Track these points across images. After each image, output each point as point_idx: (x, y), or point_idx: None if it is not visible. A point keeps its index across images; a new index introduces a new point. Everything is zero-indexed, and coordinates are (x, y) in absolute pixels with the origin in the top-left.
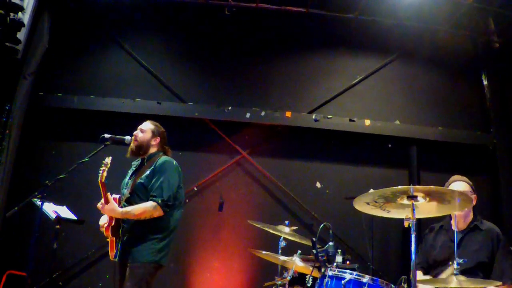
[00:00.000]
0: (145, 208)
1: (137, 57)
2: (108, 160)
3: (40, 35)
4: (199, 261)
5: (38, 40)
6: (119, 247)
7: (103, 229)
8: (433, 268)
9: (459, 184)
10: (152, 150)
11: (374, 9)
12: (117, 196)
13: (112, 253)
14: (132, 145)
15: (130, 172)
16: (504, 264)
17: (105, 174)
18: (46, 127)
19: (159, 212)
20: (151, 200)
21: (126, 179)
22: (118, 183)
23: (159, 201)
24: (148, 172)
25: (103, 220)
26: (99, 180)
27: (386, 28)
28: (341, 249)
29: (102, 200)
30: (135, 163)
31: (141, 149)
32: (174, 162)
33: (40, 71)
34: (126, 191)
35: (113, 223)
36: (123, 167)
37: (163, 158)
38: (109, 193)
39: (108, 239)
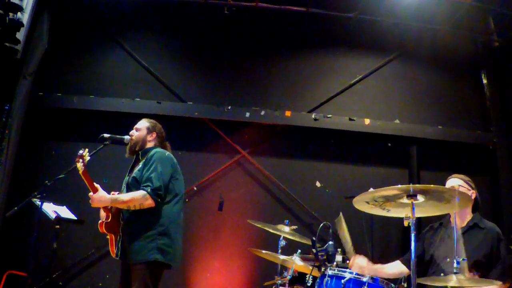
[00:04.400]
0: (134, 195)
1: (137, 57)
2: (82, 151)
3: (40, 35)
4: (199, 261)
5: (37, 40)
6: (119, 245)
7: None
8: (429, 265)
9: (453, 180)
10: (148, 145)
11: (374, 8)
12: (116, 193)
13: (112, 251)
14: (129, 144)
15: (129, 169)
16: (505, 263)
17: (79, 165)
18: (46, 127)
19: (149, 201)
20: (141, 189)
21: (126, 177)
22: (119, 183)
23: (149, 190)
24: (140, 165)
25: (102, 218)
26: (80, 172)
27: (386, 28)
28: (341, 249)
29: (91, 193)
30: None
31: (137, 146)
32: (167, 153)
33: (40, 71)
34: (123, 187)
35: (109, 220)
36: (124, 167)
37: (154, 150)
38: (97, 185)
39: (107, 236)
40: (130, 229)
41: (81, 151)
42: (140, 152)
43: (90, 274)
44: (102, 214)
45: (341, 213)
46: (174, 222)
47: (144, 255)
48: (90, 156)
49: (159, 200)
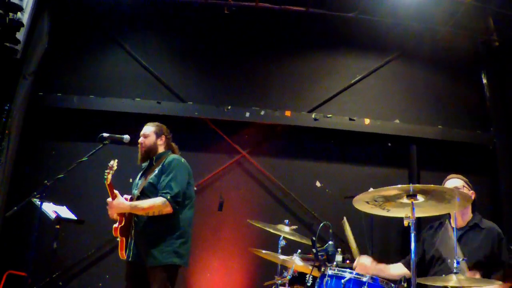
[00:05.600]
0: (154, 202)
1: (137, 57)
2: (113, 163)
3: (40, 35)
4: (199, 261)
5: (37, 40)
6: (131, 247)
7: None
8: (429, 266)
9: (453, 181)
10: (160, 150)
11: (374, 8)
12: (128, 197)
13: (122, 252)
14: (140, 153)
15: (140, 173)
16: (506, 263)
17: (110, 176)
18: (46, 127)
19: (168, 209)
20: (160, 195)
21: (137, 180)
22: (123, 183)
23: (168, 197)
24: (156, 171)
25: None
26: (105, 183)
27: (386, 28)
28: (341, 248)
29: (109, 199)
30: (145, 164)
31: (150, 153)
32: (183, 159)
33: (40, 71)
34: (136, 192)
35: (123, 223)
36: (126, 168)
37: (171, 156)
38: (116, 191)
39: (118, 239)
40: (147, 232)
41: (111, 162)
42: (154, 157)
43: (90, 274)
44: (116, 218)
45: (344, 218)
46: (189, 226)
47: (163, 258)
48: (88, 156)
49: (177, 207)
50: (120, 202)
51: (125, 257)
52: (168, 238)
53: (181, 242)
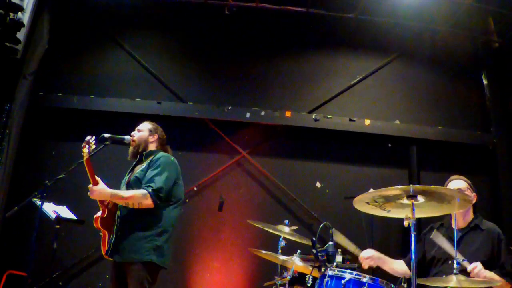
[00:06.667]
0: (134, 193)
1: (137, 57)
2: (90, 138)
3: (40, 35)
4: (199, 261)
5: (38, 40)
6: (111, 243)
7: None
8: (430, 266)
9: (457, 182)
10: (151, 147)
11: (374, 9)
12: None
13: (104, 249)
14: (131, 146)
15: (129, 169)
16: (507, 264)
17: (85, 150)
18: (46, 127)
19: (148, 201)
20: (142, 188)
21: (125, 177)
22: (119, 183)
23: (150, 190)
24: (144, 166)
25: (98, 214)
26: (83, 159)
27: (386, 28)
28: (341, 249)
29: (91, 185)
30: (135, 161)
31: (140, 147)
32: (172, 158)
33: (40, 71)
34: (123, 187)
35: (104, 215)
36: (123, 168)
37: (161, 153)
38: (98, 178)
39: (100, 233)
40: (128, 227)
41: (88, 137)
42: (144, 154)
43: (90, 274)
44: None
45: (333, 228)
46: (171, 225)
47: (141, 255)
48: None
49: (158, 201)
50: (101, 188)
51: (105, 254)
52: (148, 234)
53: (162, 240)
